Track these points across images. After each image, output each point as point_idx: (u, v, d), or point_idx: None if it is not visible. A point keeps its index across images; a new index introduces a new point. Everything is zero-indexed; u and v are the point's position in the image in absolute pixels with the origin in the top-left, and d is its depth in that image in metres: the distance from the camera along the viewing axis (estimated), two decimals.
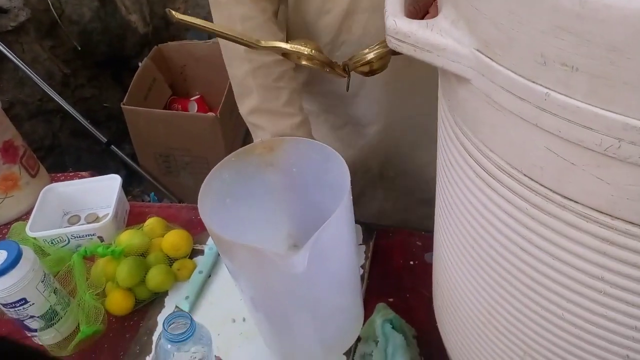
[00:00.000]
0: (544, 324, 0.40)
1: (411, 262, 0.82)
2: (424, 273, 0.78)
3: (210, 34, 2.52)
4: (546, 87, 0.29)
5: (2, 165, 0.96)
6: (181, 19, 0.57)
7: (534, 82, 0.30)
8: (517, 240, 0.38)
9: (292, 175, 0.66)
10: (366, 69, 0.65)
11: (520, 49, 0.29)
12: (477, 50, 0.33)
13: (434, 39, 0.36)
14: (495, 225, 0.39)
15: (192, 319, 0.60)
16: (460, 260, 0.48)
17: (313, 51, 0.63)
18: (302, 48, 0.63)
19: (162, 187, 2.09)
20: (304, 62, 0.65)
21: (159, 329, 0.77)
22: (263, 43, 0.62)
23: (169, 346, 0.60)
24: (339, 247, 0.58)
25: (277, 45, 0.63)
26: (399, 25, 0.38)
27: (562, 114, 0.29)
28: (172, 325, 0.59)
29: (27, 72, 1.78)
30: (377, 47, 0.64)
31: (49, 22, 2.04)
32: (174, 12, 0.57)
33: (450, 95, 0.40)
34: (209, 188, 0.59)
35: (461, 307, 0.52)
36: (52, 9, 2.04)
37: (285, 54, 0.64)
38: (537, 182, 0.34)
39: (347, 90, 0.69)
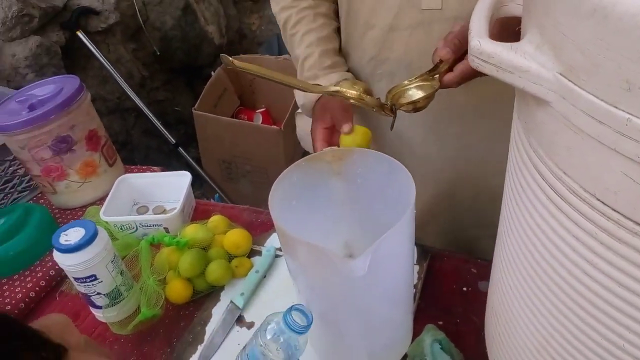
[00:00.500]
0: (603, 354, 0.40)
1: (464, 288, 0.82)
2: (476, 300, 0.78)
3: (281, 50, 2.60)
4: (628, 113, 0.30)
5: (85, 151, 1.03)
6: (239, 67, 0.62)
7: (616, 107, 0.31)
8: (583, 266, 0.38)
9: (357, 186, 0.69)
10: (411, 107, 0.69)
11: (605, 75, 0.31)
12: (560, 74, 0.34)
13: (517, 61, 0.37)
14: (562, 249, 0.40)
15: (310, 316, 0.61)
16: (521, 284, 0.48)
17: (363, 94, 0.69)
18: (352, 92, 0.69)
19: (221, 192, 2.16)
20: (352, 102, 0.70)
21: (213, 320, 0.80)
22: (319, 88, 0.71)
23: (285, 335, 0.61)
24: (397, 259, 0.59)
25: (330, 90, 0.70)
26: (483, 46, 0.40)
27: None
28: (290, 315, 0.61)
29: (111, 71, 1.90)
30: (417, 80, 0.68)
31: (134, 26, 2.19)
32: (231, 59, 0.62)
33: (527, 117, 0.42)
34: (280, 187, 0.62)
35: (517, 335, 0.52)
36: (139, 15, 2.18)
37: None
38: (609, 206, 0.34)
39: (392, 129, 0.74)
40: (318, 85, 0.75)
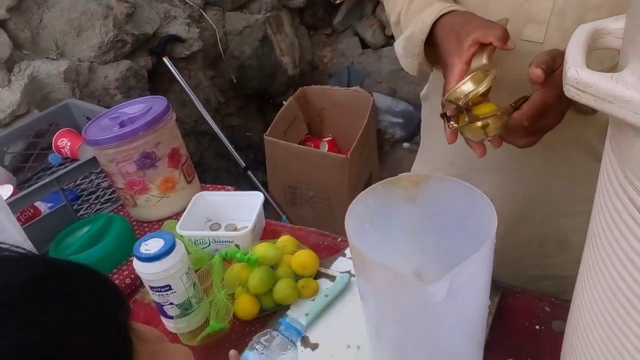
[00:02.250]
0: None
1: (537, 327, 0.78)
2: (549, 340, 0.75)
3: (350, 82, 2.64)
4: None
5: (167, 168, 1.09)
6: None
7: None
8: None
9: (432, 213, 0.68)
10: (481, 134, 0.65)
11: None
12: None
13: (618, 91, 0.37)
14: None
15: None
16: (606, 324, 0.46)
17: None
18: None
19: (285, 215, 2.20)
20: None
21: None
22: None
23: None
24: (474, 290, 0.58)
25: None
26: (581, 76, 0.40)
27: None
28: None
29: (190, 95, 2.00)
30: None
31: (214, 54, 2.30)
32: None
33: (624, 148, 0.41)
34: (355, 210, 0.63)
35: None
36: (219, 44, 2.29)
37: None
38: None
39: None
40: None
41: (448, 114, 0.68)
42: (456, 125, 0.67)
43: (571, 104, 0.66)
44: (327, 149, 2.31)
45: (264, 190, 2.17)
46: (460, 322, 0.61)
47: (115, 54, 1.78)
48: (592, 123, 0.74)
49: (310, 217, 2.20)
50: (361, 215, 0.65)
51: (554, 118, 0.66)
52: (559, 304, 0.80)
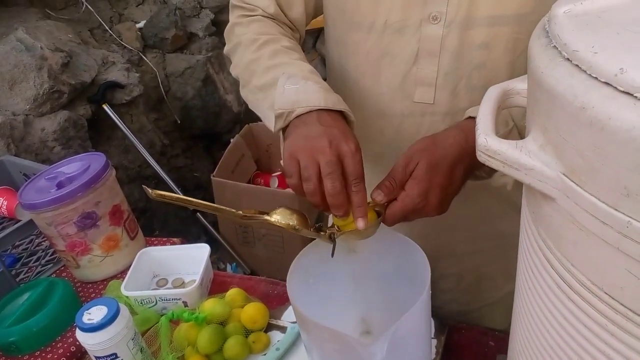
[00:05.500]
0: None
1: None
2: None
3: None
4: (628, 216, 0.32)
5: (108, 226, 1.06)
6: (159, 195, 0.62)
7: (616, 209, 0.32)
8: (595, 355, 0.39)
9: (373, 263, 0.70)
10: (354, 236, 0.64)
11: (604, 180, 0.33)
12: (563, 174, 0.36)
13: (522, 159, 0.40)
14: (574, 337, 0.41)
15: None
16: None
17: (297, 226, 0.64)
18: (287, 223, 0.64)
19: (237, 255, 2.18)
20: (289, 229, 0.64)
21: None
22: (244, 212, 0.64)
23: None
24: (415, 338, 0.60)
25: (260, 218, 0.65)
26: (490, 143, 0.42)
27: None
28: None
29: (133, 140, 1.97)
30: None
31: (156, 97, 2.29)
32: (150, 190, 0.62)
33: (535, 208, 0.43)
34: (298, 267, 0.64)
35: None
36: (161, 86, 2.28)
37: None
38: (617, 300, 0.35)
39: (332, 256, 0.66)
40: (246, 214, 0.66)
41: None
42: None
43: (468, 176, 0.66)
44: (277, 184, 2.31)
45: (214, 232, 2.15)
46: None
47: (52, 105, 1.73)
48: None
49: (264, 256, 2.19)
50: (305, 270, 0.66)
51: (439, 197, 0.64)
52: (502, 337, 0.83)
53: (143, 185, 0.64)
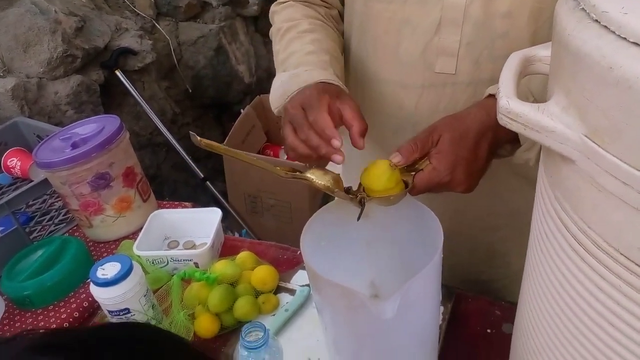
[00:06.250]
0: None
1: (488, 330, 0.82)
2: (500, 343, 0.78)
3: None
4: None
5: (122, 188, 1.08)
6: (207, 144, 0.63)
7: (638, 170, 0.33)
8: (607, 317, 0.40)
9: (385, 228, 0.71)
10: (383, 202, 0.65)
11: (628, 140, 0.33)
12: (585, 136, 0.37)
13: (544, 121, 0.40)
14: (587, 299, 0.41)
15: (265, 329, 0.67)
16: (546, 331, 0.50)
17: (332, 187, 0.65)
18: (321, 183, 0.65)
19: (246, 225, 2.20)
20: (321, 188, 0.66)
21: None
22: (283, 172, 0.67)
23: (245, 353, 0.67)
24: (425, 301, 0.61)
25: (299, 176, 0.66)
26: (512, 106, 0.42)
27: None
28: (249, 334, 0.68)
29: (145, 107, 1.98)
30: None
31: (168, 65, 2.28)
32: (198, 138, 0.62)
33: (553, 172, 0.44)
34: (310, 230, 0.65)
35: None
36: (173, 55, 2.27)
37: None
38: (633, 261, 0.36)
39: (358, 220, 0.67)
40: (287, 169, 0.68)
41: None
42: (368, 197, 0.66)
43: (492, 153, 0.66)
44: (286, 157, 2.32)
45: (223, 201, 2.16)
46: (414, 333, 0.63)
47: (65, 69, 1.73)
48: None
49: (272, 226, 2.20)
50: (317, 234, 0.67)
51: (465, 171, 0.64)
52: (508, 307, 0.84)
53: (190, 132, 0.64)
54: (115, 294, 0.79)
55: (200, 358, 0.40)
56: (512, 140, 0.67)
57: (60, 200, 1.16)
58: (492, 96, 0.65)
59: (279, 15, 0.87)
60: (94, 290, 0.80)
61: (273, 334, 0.83)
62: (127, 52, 1.96)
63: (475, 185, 0.67)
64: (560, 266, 0.44)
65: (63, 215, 1.21)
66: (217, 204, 2.20)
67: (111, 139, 1.03)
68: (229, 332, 0.87)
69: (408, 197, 0.66)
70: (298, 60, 0.76)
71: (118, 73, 1.91)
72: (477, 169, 0.66)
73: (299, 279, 0.95)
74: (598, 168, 0.36)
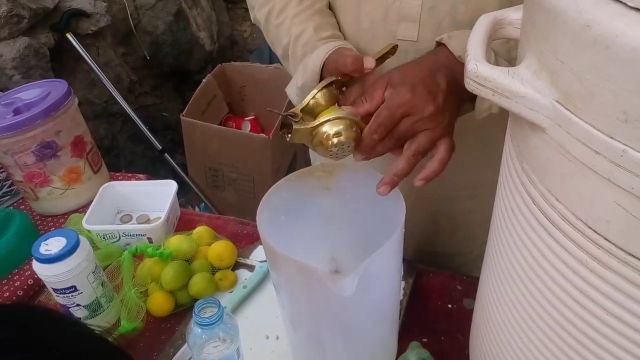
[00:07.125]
0: None
1: (449, 305, 0.81)
2: (461, 318, 0.78)
3: (272, 59, 2.59)
4: (624, 144, 0.30)
5: (70, 158, 1.01)
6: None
7: (612, 137, 0.30)
8: (572, 292, 0.38)
9: (346, 202, 0.68)
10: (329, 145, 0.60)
11: (602, 105, 0.31)
12: (557, 101, 0.34)
13: (514, 86, 0.37)
14: (551, 274, 0.40)
15: (220, 306, 0.64)
16: (508, 306, 0.48)
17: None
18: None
19: (206, 199, 2.14)
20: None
21: None
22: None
23: (199, 330, 0.64)
24: (385, 277, 0.59)
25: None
26: (480, 70, 0.40)
27: (638, 171, 0.30)
28: (202, 310, 0.64)
29: (99, 74, 1.88)
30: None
31: (125, 30, 2.17)
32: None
33: (521, 142, 0.41)
34: (268, 203, 0.62)
35: (501, 356, 0.52)
36: (130, 19, 2.16)
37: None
38: (601, 235, 0.34)
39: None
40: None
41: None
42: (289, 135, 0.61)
43: (454, 94, 0.63)
44: (249, 128, 2.26)
45: (183, 174, 2.10)
46: (373, 309, 0.62)
47: (10, 30, 1.62)
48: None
49: (234, 200, 2.16)
50: (276, 207, 0.64)
51: (425, 91, 0.60)
52: (469, 282, 0.83)
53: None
54: (60, 271, 0.74)
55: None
56: (472, 98, 0.65)
57: (3, 171, 1.09)
58: (441, 44, 0.64)
59: None
60: (37, 266, 0.75)
61: (229, 311, 0.81)
62: (79, 13, 1.85)
63: (450, 118, 0.62)
64: (525, 240, 0.42)
65: (7, 188, 1.14)
66: (176, 177, 2.14)
67: (57, 104, 0.97)
68: (184, 310, 0.84)
69: (367, 169, 0.64)
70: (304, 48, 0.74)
71: (69, 36, 1.80)
72: (440, 94, 0.61)
73: (259, 254, 0.92)
74: (569, 136, 0.34)
